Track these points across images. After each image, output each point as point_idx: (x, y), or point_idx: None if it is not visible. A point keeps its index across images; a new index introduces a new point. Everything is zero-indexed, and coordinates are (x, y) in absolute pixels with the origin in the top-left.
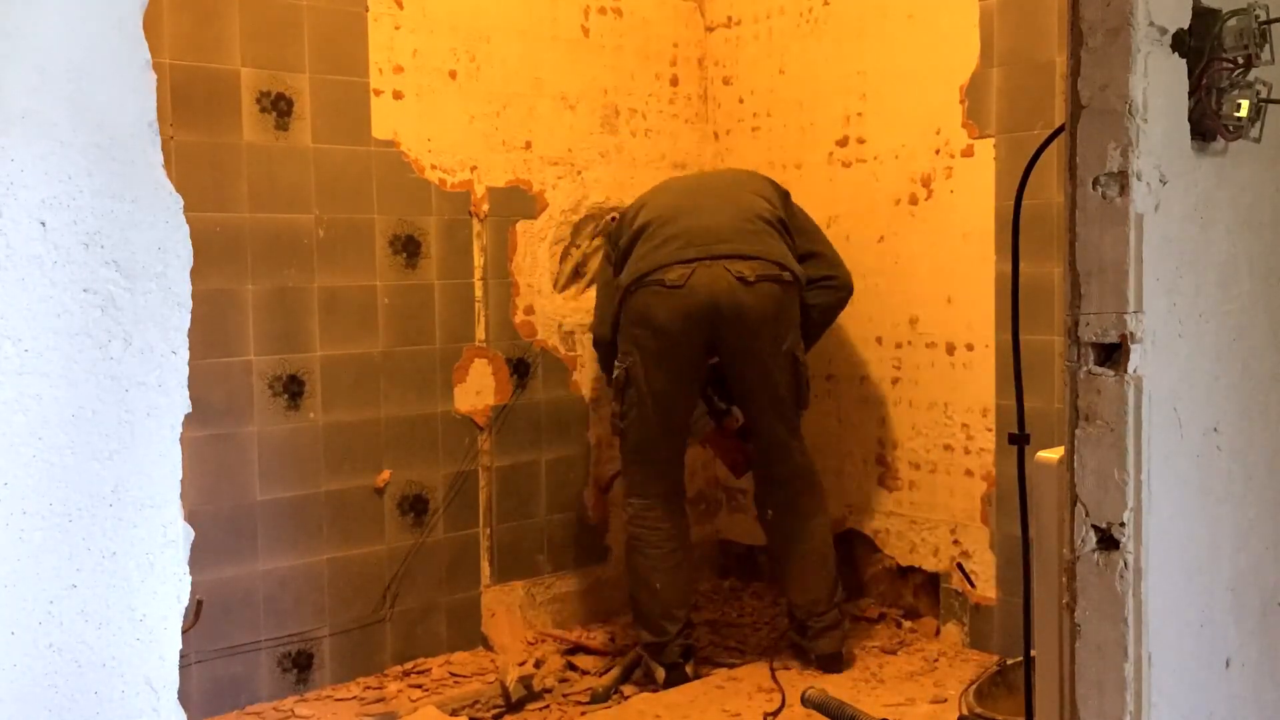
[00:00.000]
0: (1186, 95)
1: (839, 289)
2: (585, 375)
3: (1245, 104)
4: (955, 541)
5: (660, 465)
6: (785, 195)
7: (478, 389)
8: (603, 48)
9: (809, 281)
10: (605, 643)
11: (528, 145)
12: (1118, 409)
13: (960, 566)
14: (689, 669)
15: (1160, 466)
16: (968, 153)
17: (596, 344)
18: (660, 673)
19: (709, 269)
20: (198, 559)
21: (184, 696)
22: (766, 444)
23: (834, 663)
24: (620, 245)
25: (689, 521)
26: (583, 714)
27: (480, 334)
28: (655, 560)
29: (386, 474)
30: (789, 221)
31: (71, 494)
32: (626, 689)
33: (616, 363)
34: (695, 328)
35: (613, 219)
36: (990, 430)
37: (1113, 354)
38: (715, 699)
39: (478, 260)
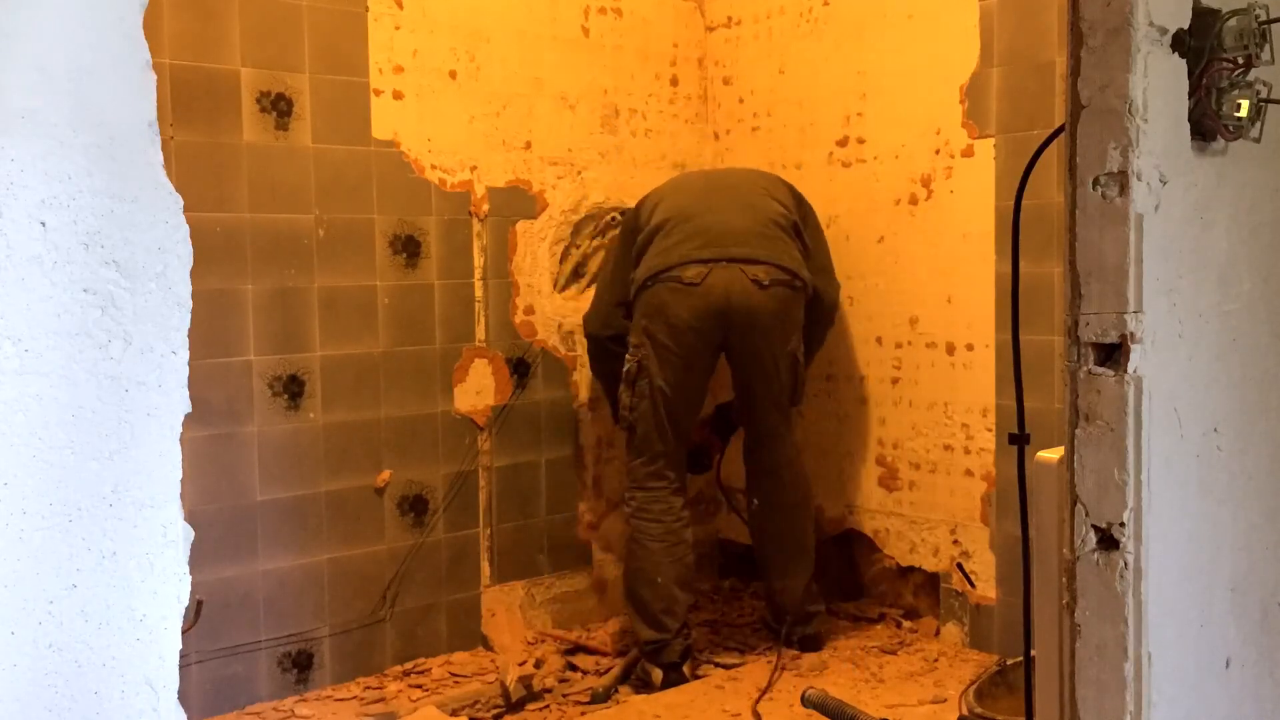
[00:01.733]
0: (1186, 95)
1: (822, 301)
2: (585, 375)
3: (1245, 104)
4: (955, 541)
5: (666, 459)
6: (800, 198)
7: (478, 389)
8: (603, 48)
9: None
10: (605, 643)
11: (528, 145)
12: (1118, 409)
13: (960, 566)
14: (687, 669)
15: (1160, 466)
16: (968, 153)
17: (589, 336)
18: (657, 675)
19: (726, 270)
20: (198, 559)
21: (184, 696)
22: (760, 432)
23: (811, 642)
24: (639, 242)
25: (690, 517)
26: (583, 714)
27: (480, 334)
28: (659, 554)
29: (386, 474)
30: (803, 225)
31: (71, 494)
32: (625, 690)
33: (628, 355)
34: (709, 325)
35: (613, 219)
36: (990, 430)
37: (1113, 354)
38: (715, 699)
39: (478, 260)
